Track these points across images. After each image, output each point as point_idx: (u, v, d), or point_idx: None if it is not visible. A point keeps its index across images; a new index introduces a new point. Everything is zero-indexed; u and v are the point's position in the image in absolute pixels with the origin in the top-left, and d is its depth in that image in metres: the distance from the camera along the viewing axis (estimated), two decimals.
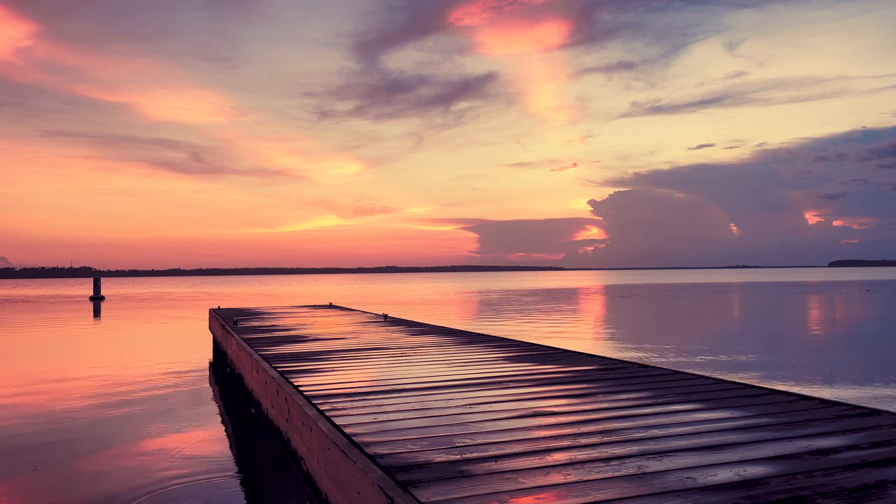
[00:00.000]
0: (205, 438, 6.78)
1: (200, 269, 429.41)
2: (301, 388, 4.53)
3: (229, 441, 6.66)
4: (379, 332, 8.73)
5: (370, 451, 2.89)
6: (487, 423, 3.43)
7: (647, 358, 11.82)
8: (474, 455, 2.82)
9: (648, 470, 2.58)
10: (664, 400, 3.97)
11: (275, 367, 5.53)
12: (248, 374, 6.53)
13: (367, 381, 4.83)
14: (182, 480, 5.40)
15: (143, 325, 22.51)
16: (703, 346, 13.89)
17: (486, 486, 2.41)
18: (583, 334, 17.08)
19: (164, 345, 16.22)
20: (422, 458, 2.79)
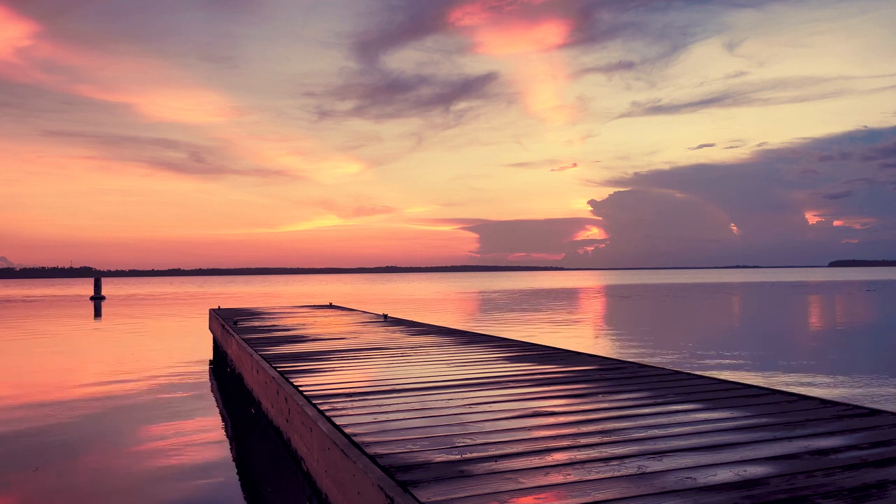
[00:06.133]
0: (205, 438, 6.78)
1: (200, 269, 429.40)
2: (301, 388, 4.53)
3: (229, 441, 6.66)
4: (379, 332, 8.73)
5: (370, 451, 2.89)
6: (487, 423, 3.43)
7: (647, 358, 11.82)
8: (474, 455, 2.82)
9: (648, 470, 2.58)
10: (664, 400, 3.97)
11: (275, 367, 5.53)
12: (248, 374, 6.53)
13: (367, 381, 4.83)
14: (182, 480, 5.40)
15: (143, 325, 22.51)
16: (703, 346, 13.89)
17: (486, 486, 2.41)
18: (583, 334, 17.08)
19: (164, 345, 16.22)
20: (422, 458, 2.79)
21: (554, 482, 2.44)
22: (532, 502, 2.25)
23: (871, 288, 47.84)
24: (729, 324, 21.27)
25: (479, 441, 3.06)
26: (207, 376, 10.89)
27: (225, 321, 10.46)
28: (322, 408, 3.86)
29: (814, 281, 72.59)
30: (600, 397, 4.10)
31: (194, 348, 14.89)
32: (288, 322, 10.67)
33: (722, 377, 4.77)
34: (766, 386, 4.37)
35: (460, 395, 4.24)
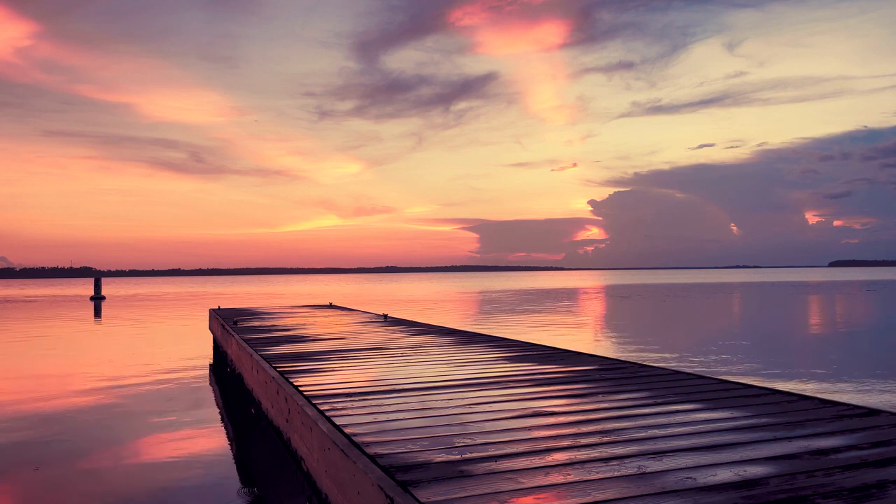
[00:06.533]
0: (205, 438, 6.78)
1: (200, 269, 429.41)
2: (301, 388, 4.53)
3: (229, 441, 6.66)
4: (379, 332, 8.73)
5: (370, 451, 2.89)
6: (487, 423, 3.43)
7: (647, 358, 11.82)
8: (474, 455, 2.82)
9: (648, 470, 2.58)
10: (664, 400, 3.97)
11: (275, 367, 5.53)
12: (248, 374, 6.53)
13: (367, 381, 4.83)
14: (182, 480, 5.40)
15: (143, 325, 22.51)
16: (703, 346, 13.89)
17: (486, 486, 2.41)
18: (583, 334, 17.08)
19: (164, 345, 16.22)
20: (422, 458, 2.79)
21: (554, 482, 2.44)
22: (532, 502, 2.25)
23: (871, 288, 47.85)
24: (729, 324, 21.27)
25: (479, 441, 3.06)
26: (207, 376, 10.89)
27: (225, 321, 10.46)
28: (322, 408, 3.86)
29: (814, 281, 72.60)
30: (600, 397, 4.10)
31: (194, 348, 14.89)
32: (288, 322, 10.67)
33: (722, 377, 4.77)
34: (766, 386, 4.37)
35: (460, 395, 4.24)
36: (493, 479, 2.49)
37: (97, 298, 41.88)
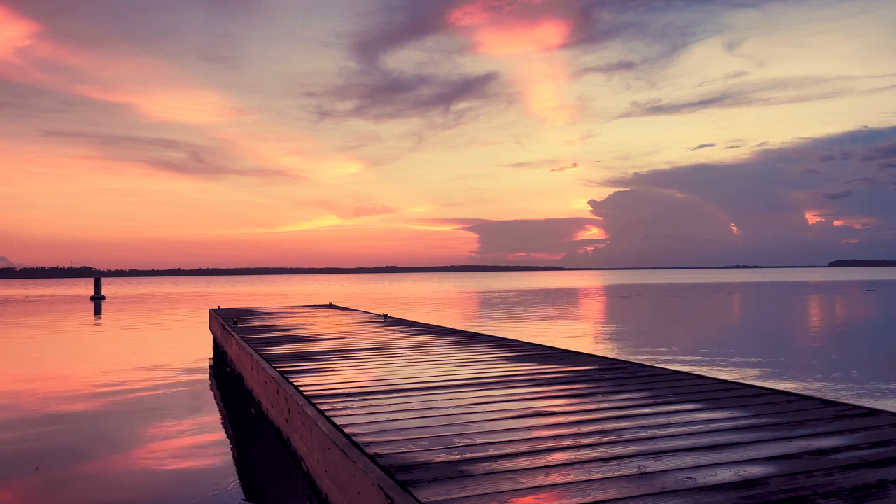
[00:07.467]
0: (205, 438, 6.78)
1: (200, 269, 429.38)
2: (301, 388, 4.53)
3: (229, 441, 6.66)
4: (379, 332, 8.73)
5: (370, 451, 2.89)
6: (487, 423, 3.43)
7: (647, 358, 11.82)
8: (474, 455, 2.82)
9: (648, 470, 2.58)
10: (664, 400, 3.97)
11: (275, 367, 5.53)
12: (248, 374, 6.53)
13: (367, 381, 4.83)
14: (182, 480, 5.40)
15: (143, 325, 22.51)
16: (703, 346, 13.89)
17: (486, 486, 2.41)
18: (583, 334, 17.08)
19: (164, 345, 16.22)
20: (422, 458, 2.79)
21: (554, 482, 2.44)
22: (532, 502, 2.25)
23: (871, 288, 47.84)
24: (729, 324, 21.27)
25: (479, 441, 3.06)
26: (207, 376, 10.89)
27: (225, 321, 10.46)
28: (322, 408, 3.86)
29: (814, 281, 72.58)
30: (600, 397, 4.10)
31: (194, 348, 14.88)
32: (288, 322, 10.67)
33: (722, 377, 4.77)
34: (766, 386, 4.37)
35: (460, 395, 4.24)
36: (493, 479, 2.49)
37: (97, 298, 41.87)
